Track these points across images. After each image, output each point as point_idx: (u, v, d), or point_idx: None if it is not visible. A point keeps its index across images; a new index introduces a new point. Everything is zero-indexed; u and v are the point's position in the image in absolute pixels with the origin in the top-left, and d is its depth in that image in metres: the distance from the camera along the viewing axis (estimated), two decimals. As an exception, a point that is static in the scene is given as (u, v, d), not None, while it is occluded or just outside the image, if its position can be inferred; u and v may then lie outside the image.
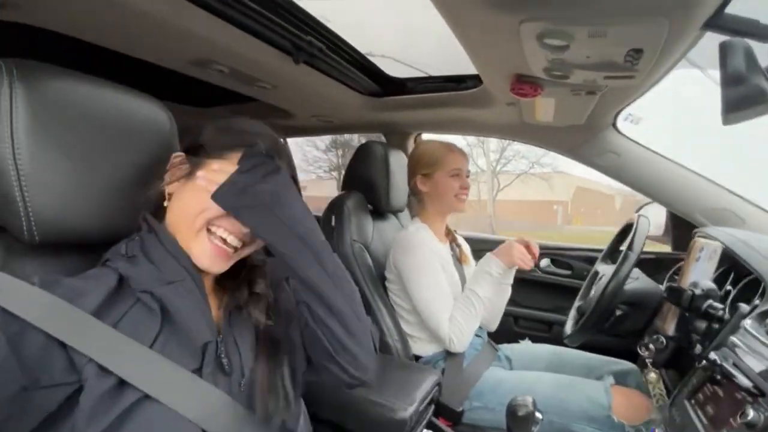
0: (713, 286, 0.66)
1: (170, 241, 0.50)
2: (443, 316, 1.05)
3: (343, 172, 1.38)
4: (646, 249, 1.42)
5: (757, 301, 0.73)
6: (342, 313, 0.51)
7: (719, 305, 0.64)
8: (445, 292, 1.08)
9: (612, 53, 0.65)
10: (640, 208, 1.42)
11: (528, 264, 1.04)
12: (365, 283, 1.13)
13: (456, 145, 1.20)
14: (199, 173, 0.50)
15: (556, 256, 1.53)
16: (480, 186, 12.77)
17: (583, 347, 1.20)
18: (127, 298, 0.46)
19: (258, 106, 1.51)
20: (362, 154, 1.28)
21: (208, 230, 0.50)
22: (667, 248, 1.41)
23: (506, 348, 1.28)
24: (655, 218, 1.37)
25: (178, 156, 0.54)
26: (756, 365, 0.59)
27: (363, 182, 1.27)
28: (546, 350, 1.23)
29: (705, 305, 0.64)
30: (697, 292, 0.65)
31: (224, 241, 0.50)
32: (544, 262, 1.54)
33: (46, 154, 0.48)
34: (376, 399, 0.81)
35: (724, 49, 0.51)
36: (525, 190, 12.92)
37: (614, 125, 1.24)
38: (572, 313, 1.14)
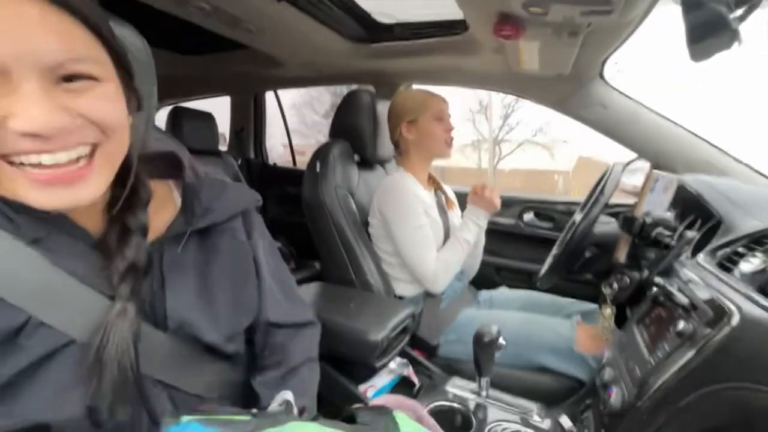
0: (665, 215, 0.70)
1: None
2: (426, 256, 1.11)
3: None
4: (627, 202, 1.45)
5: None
6: None
7: (667, 232, 0.68)
8: (427, 235, 1.13)
9: (585, -17, 0.65)
10: (628, 163, 1.44)
11: (498, 204, 1.15)
12: (348, 228, 1.17)
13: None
14: None
15: (540, 209, 1.56)
16: (481, 154, 12.65)
17: (554, 292, 1.27)
18: None
19: (246, 53, 1.49)
20: (349, 102, 1.28)
21: (10, 162, 0.34)
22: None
23: (485, 293, 1.34)
24: (642, 174, 1.39)
25: None
26: (704, 294, 0.63)
27: (349, 131, 1.28)
28: (520, 294, 1.30)
29: (654, 233, 0.68)
30: (648, 220, 0.68)
31: (41, 165, 0.34)
32: (528, 216, 1.57)
33: None
34: (353, 325, 0.87)
35: (686, -26, 0.52)
36: (526, 159, 12.80)
37: (601, 76, 1.24)
38: (548, 259, 1.19)
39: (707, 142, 1.22)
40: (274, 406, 0.42)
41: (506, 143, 12.82)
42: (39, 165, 0.33)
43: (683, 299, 0.59)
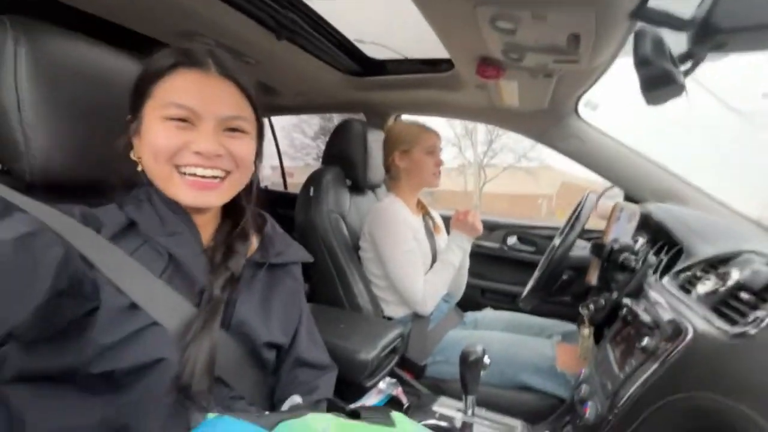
0: (630, 242, 0.77)
1: (165, 195, 0.54)
2: (414, 279, 1.16)
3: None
4: (601, 228, 1.54)
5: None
6: None
7: (633, 257, 0.75)
8: (415, 258, 1.18)
9: (554, 37, 0.73)
10: (603, 192, 1.54)
11: (480, 228, 1.22)
12: (340, 251, 1.22)
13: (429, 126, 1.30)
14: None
15: (523, 234, 1.64)
16: (467, 178, 12.92)
17: (537, 313, 1.32)
18: (134, 239, 0.52)
19: (243, 82, 1.56)
20: (341, 130, 1.35)
21: (179, 171, 0.52)
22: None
23: (471, 314, 1.39)
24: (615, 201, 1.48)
25: (127, 118, 0.56)
26: (666, 314, 0.69)
27: (342, 158, 1.34)
28: (505, 315, 1.35)
29: (621, 258, 0.74)
30: (615, 247, 0.75)
31: (195, 175, 0.52)
32: (511, 240, 1.64)
33: (46, 103, 0.54)
34: (345, 344, 0.90)
35: (637, 37, 0.60)
36: (511, 183, 13.12)
37: (576, 111, 1.35)
38: (530, 282, 1.25)
39: (671, 173, 1.33)
40: (284, 408, 0.45)
41: (491, 168, 13.15)
42: (194, 175, 0.52)
43: (647, 318, 0.65)
